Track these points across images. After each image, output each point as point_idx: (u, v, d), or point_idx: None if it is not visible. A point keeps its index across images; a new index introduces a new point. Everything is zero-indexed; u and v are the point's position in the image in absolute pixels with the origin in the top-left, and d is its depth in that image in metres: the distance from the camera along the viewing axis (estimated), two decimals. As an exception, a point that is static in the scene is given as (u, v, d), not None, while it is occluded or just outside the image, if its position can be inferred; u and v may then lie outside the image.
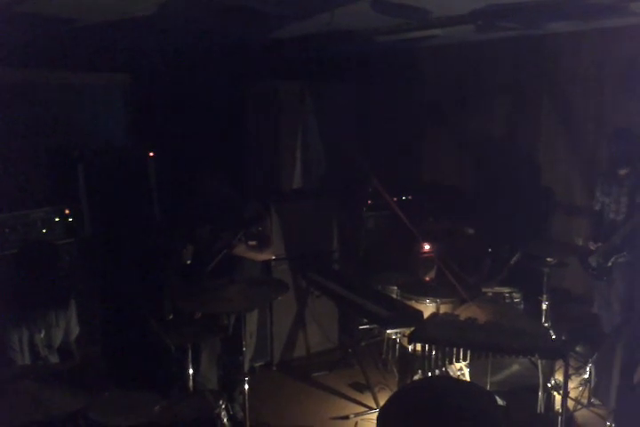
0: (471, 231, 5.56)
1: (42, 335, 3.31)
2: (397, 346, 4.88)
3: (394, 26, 4.95)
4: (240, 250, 4.19)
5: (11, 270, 3.46)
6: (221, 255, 4.07)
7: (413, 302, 4.70)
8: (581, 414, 4.33)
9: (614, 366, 3.95)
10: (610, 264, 4.68)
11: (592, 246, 4.79)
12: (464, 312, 4.32)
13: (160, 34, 4.92)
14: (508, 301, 4.91)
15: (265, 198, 5.09)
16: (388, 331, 4.52)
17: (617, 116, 5.16)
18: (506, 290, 4.94)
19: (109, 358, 4.52)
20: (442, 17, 4.62)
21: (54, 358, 3.41)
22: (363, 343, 5.45)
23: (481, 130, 6.28)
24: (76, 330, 3.57)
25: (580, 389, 4.48)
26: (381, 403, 4.49)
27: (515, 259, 4.95)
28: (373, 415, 4.40)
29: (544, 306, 4.71)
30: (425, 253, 5.32)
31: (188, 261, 4.29)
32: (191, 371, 3.73)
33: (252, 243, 4.28)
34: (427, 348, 3.64)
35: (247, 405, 3.69)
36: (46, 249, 3.49)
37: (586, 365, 4.49)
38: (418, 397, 3.18)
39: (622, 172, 4.65)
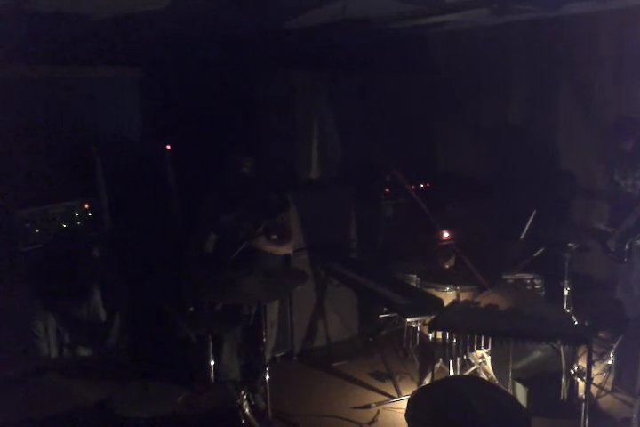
0: (490, 218, 5.53)
1: (69, 323, 3.34)
2: (418, 334, 4.86)
3: (407, 12, 4.90)
4: (260, 242, 4.18)
5: (34, 263, 3.50)
6: (243, 246, 4.07)
7: (433, 289, 4.69)
8: (605, 401, 4.30)
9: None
10: (627, 247, 4.64)
11: (609, 230, 4.76)
12: (484, 299, 4.30)
13: (172, 26, 4.92)
14: (529, 287, 4.87)
15: (283, 189, 5.08)
16: (409, 319, 4.50)
17: (636, 98, 5.07)
18: (527, 276, 4.90)
19: (131, 349, 4.56)
20: (456, 1, 4.56)
21: (82, 347, 3.44)
22: (383, 332, 5.44)
23: (498, 115, 6.23)
24: (102, 316, 3.59)
25: (604, 375, 4.43)
26: (402, 391, 4.50)
27: (538, 252, 4.90)
28: (395, 404, 4.40)
29: (565, 292, 4.67)
30: (444, 240, 5.29)
31: (210, 250, 4.30)
32: (212, 362, 3.75)
33: (274, 237, 4.29)
34: (447, 336, 3.63)
35: (269, 395, 3.71)
36: (75, 239, 3.53)
37: (609, 350, 4.44)
38: (446, 394, 3.19)
39: (628, 146, 4.63)
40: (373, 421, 4.24)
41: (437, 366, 4.39)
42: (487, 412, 2.94)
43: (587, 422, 3.43)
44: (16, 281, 3.54)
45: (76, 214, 4.67)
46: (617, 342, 4.31)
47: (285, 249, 4.46)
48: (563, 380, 3.99)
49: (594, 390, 4.27)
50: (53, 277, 3.26)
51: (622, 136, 4.64)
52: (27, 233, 4.33)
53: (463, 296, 4.59)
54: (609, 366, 4.42)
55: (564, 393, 4.02)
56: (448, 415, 3.01)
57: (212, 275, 4.10)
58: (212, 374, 3.77)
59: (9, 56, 4.25)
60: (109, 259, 4.65)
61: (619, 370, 4.33)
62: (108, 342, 3.71)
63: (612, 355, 4.38)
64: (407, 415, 3.06)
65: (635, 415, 3.69)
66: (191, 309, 4.36)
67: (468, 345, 3.62)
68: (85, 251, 3.42)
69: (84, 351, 3.45)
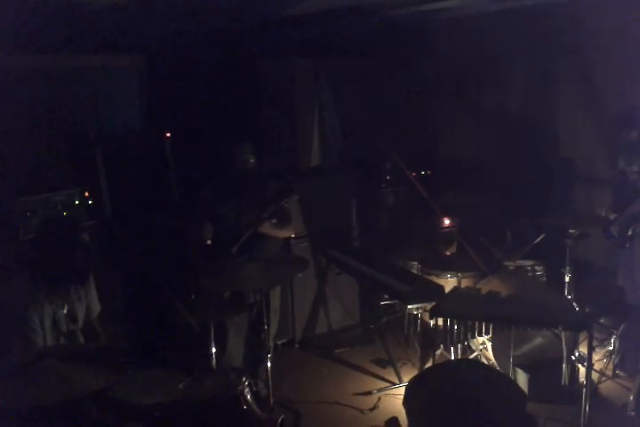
0: (491, 205, 5.52)
1: (65, 311, 3.33)
2: (419, 321, 4.88)
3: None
4: (265, 227, 4.19)
5: (33, 252, 3.48)
6: (249, 233, 4.07)
7: (434, 276, 4.70)
8: (606, 386, 4.31)
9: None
10: (630, 233, 4.63)
11: (612, 216, 4.75)
12: (486, 286, 4.30)
13: (173, 15, 4.88)
14: (530, 273, 4.87)
15: (284, 177, 5.07)
16: (410, 306, 4.51)
17: (637, 86, 5.04)
18: (528, 263, 4.90)
19: (134, 337, 4.57)
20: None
21: (78, 336, 3.44)
22: (384, 319, 5.45)
23: (499, 102, 6.19)
24: (97, 307, 3.58)
25: (605, 361, 4.45)
26: (404, 378, 4.52)
27: (539, 239, 4.89)
28: (396, 390, 4.42)
29: (567, 278, 4.66)
30: (445, 227, 5.29)
31: (209, 241, 4.29)
32: (214, 349, 3.76)
33: (274, 220, 4.29)
34: (448, 322, 3.63)
35: (270, 382, 3.73)
36: (66, 225, 3.51)
37: (610, 336, 4.45)
38: (442, 379, 3.20)
39: (631, 136, 4.61)
40: (375, 407, 4.25)
41: (438, 352, 4.40)
42: (484, 394, 2.95)
43: (587, 407, 3.44)
44: (15, 270, 3.53)
45: (77, 202, 4.67)
46: (620, 328, 4.31)
47: (285, 232, 4.49)
48: (564, 366, 4.01)
49: (595, 375, 4.28)
50: (43, 265, 3.25)
51: (625, 127, 4.61)
52: (27, 221, 4.33)
53: (464, 283, 4.59)
54: (610, 351, 4.43)
55: (564, 379, 4.04)
56: (445, 400, 3.02)
57: (214, 264, 4.10)
58: (214, 362, 3.78)
59: (10, 45, 4.22)
60: (108, 246, 4.66)
61: (622, 355, 4.33)
62: (105, 330, 3.71)
63: (613, 341, 4.38)
64: (405, 402, 3.07)
65: (632, 398, 3.71)
66: (192, 297, 4.37)
67: (469, 332, 3.62)
68: (73, 237, 3.40)
69: (81, 340, 3.44)
